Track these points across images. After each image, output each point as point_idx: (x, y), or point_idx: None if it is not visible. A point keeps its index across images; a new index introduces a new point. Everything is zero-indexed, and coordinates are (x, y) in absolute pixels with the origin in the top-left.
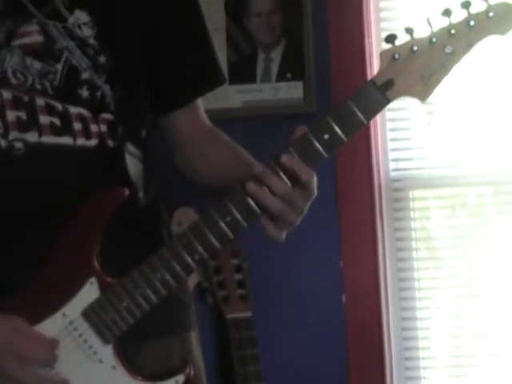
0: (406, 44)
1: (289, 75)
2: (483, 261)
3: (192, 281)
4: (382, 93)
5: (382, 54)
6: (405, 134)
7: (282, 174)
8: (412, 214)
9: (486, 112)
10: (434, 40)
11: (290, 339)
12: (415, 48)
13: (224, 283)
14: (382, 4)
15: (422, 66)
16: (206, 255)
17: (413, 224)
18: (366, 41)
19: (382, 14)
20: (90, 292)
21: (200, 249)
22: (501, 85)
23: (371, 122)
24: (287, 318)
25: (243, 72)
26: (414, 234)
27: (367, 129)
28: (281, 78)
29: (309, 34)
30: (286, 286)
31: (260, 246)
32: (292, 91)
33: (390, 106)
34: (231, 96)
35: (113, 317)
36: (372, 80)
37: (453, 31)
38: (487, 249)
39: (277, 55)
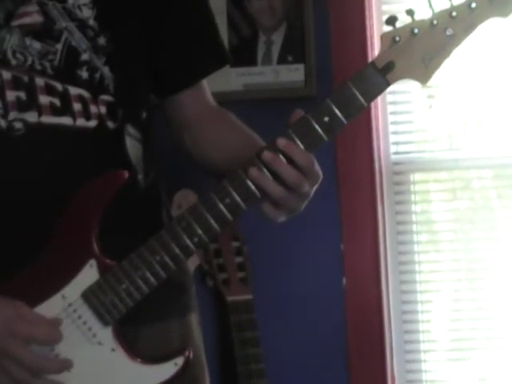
0: (406, 26)
1: (290, 58)
2: (483, 244)
3: (192, 264)
4: (382, 75)
5: (383, 36)
6: (405, 118)
7: (281, 157)
8: (412, 198)
9: (486, 95)
10: (434, 22)
11: (290, 323)
12: (416, 30)
13: (224, 266)
14: None
15: (423, 48)
16: (205, 238)
17: (413, 207)
18: (367, 23)
19: None
20: (89, 274)
21: (199, 231)
22: (502, 68)
23: (372, 105)
24: (287, 301)
25: (244, 55)
26: (414, 218)
27: (368, 112)
28: (282, 60)
29: (310, 17)
30: (287, 270)
31: (260, 229)
32: (293, 74)
33: (390, 89)
34: (232, 79)
35: (112, 299)
36: (372, 62)
37: (454, 14)
38: (487, 232)
39: (278, 38)
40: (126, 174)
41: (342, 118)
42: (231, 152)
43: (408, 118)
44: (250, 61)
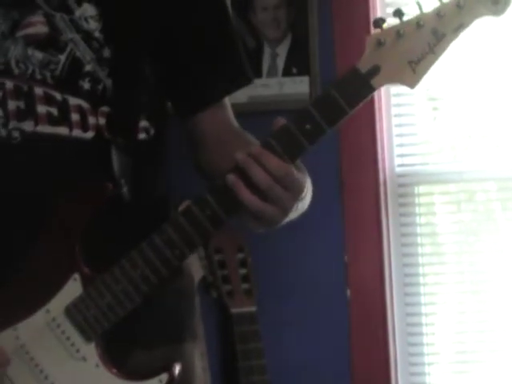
0: (392, 28)
1: (295, 70)
2: (488, 256)
3: (197, 275)
4: (366, 80)
5: (368, 39)
6: (410, 130)
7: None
8: (417, 210)
9: (490, 108)
10: (421, 23)
11: (295, 334)
12: (401, 31)
13: (229, 277)
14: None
15: (410, 50)
16: (186, 250)
17: (418, 219)
18: None
19: (389, 10)
20: (73, 288)
21: (180, 244)
22: (506, 80)
23: (376, 117)
24: (292, 312)
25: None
26: (418, 230)
27: (372, 124)
28: (287, 72)
29: (314, 29)
30: (291, 281)
31: (265, 240)
32: (298, 86)
33: (395, 101)
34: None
35: (94, 314)
36: (355, 67)
37: (441, 13)
38: (492, 245)
39: (283, 50)
40: (110, 186)
41: (324, 125)
42: None
43: (412, 131)
44: (255, 73)
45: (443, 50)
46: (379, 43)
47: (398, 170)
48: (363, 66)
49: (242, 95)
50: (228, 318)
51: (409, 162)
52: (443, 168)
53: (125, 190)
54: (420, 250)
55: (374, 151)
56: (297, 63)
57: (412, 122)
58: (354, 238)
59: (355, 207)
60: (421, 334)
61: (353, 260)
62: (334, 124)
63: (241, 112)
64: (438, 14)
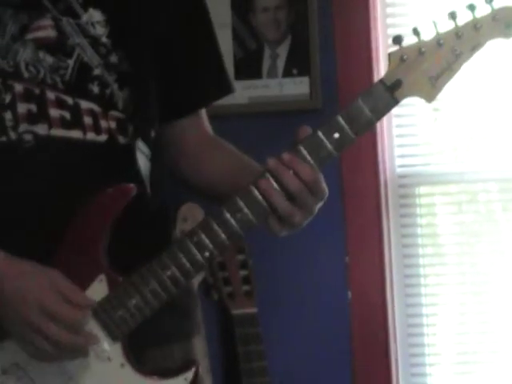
0: (414, 45)
1: (295, 71)
2: (489, 258)
3: (197, 277)
4: (390, 93)
5: (391, 54)
6: (411, 131)
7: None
8: (418, 211)
9: (491, 108)
10: (441, 42)
11: (296, 335)
12: (423, 49)
13: (229, 279)
14: (388, 0)
15: (430, 67)
16: (215, 252)
17: (419, 220)
18: (372, 36)
19: (389, 10)
20: (99, 289)
21: (210, 246)
22: (507, 81)
23: None
24: (292, 314)
25: (249, 68)
26: (419, 231)
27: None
28: (287, 73)
29: (315, 30)
30: (292, 282)
31: (265, 242)
32: (298, 87)
33: None
34: (237, 92)
35: (122, 314)
36: (382, 80)
37: (460, 34)
38: (493, 246)
39: (283, 51)
40: (134, 188)
41: (352, 135)
42: (231, 176)
43: (413, 131)
44: (255, 74)
45: (459, 67)
46: (402, 59)
47: (398, 170)
48: (388, 79)
49: (242, 96)
50: (229, 319)
51: (409, 162)
52: (444, 169)
53: (148, 191)
54: (421, 250)
55: (375, 152)
56: (297, 64)
57: (413, 123)
58: (354, 239)
59: (356, 208)
60: (422, 334)
61: (354, 261)
62: (361, 133)
63: (241, 113)
64: (457, 34)
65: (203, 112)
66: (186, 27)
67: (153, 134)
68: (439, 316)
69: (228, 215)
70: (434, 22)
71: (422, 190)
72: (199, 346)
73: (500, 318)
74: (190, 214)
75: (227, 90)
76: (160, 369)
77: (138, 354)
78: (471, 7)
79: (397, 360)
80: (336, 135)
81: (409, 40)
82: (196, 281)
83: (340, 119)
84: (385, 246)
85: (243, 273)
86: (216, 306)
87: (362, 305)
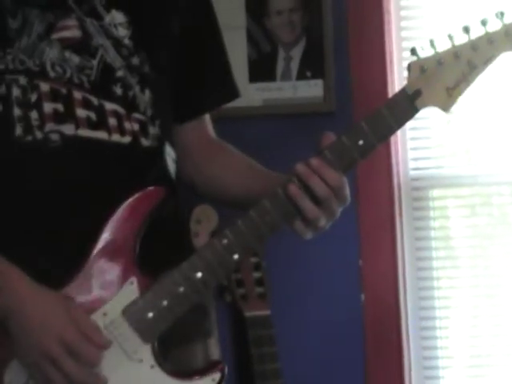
0: (433, 57)
1: (309, 74)
2: (502, 260)
3: None
4: (411, 102)
5: (411, 65)
6: (424, 133)
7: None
8: (431, 213)
9: (504, 111)
10: (458, 54)
11: (309, 338)
12: (442, 61)
13: (242, 281)
14: (402, 2)
15: (448, 78)
16: (243, 254)
17: (432, 223)
18: (386, 39)
19: (403, 13)
20: (129, 291)
21: (239, 248)
22: None
23: None
24: (306, 316)
25: (263, 70)
26: (433, 234)
27: None
28: (301, 76)
29: (329, 33)
30: (305, 285)
31: (279, 244)
32: (312, 90)
33: None
34: (251, 94)
35: (153, 316)
36: (404, 89)
37: (476, 46)
38: (506, 248)
39: (297, 53)
40: (164, 191)
41: (375, 142)
42: (242, 178)
43: (427, 134)
44: (270, 76)
45: (474, 78)
46: (422, 70)
47: (412, 173)
48: (409, 88)
49: (256, 98)
50: (242, 321)
51: (423, 165)
52: (457, 171)
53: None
54: (434, 253)
55: (388, 155)
56: (311, 66)
57: (426, 126)
58: (368, 241)
59: (369, 211)
60: (435, 337)
61: (367, 264)
62: (384, 140)
63: (255, 115)
64: (473, 47)
65: (207, 117)
66: (193, 32)
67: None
68: (452, 319)
69: (257, 218)
70: (450, 36)
71: (435, 192)
72: (214, 347)
73: None
74: (204, 216)
75: (232, 95)
76: (186, 369)
77: (163, 355)
78: (483, 22)
79: (410, 363)
80: (360, 142)
81: (424, 48)
82: None
83: (364, 125)
84: (398, 249)
85: (256, 275)
86: (229, 308)
87: (375, 307)
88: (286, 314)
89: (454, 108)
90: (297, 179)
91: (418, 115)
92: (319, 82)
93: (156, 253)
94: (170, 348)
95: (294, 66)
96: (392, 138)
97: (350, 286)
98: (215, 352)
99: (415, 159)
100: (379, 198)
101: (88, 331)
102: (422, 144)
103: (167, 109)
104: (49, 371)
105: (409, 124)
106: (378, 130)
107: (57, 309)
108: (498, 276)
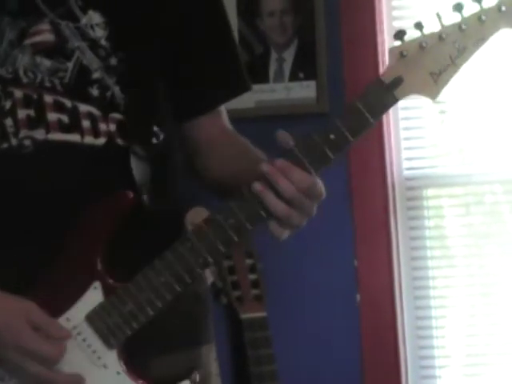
0: (414, 40)
1: (301, 75)
2: (497, 259)
3: (206, 283)
4: (389, 91)
5: (391, 50)
6: (418, 133)
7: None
8: (426, 213)
9: (498, 110)
10: (443, 36)
11: (305, 339)
12: (424, 44)
13: (238, 283)
14: (394, 3)
15: (432, 62)
16: (210, 258)
17: (426, 223)
18: (379, 40)
19: (395, 13)
20: (93, 296)
21: (204, 252)
22: None
23: (384, 121)
24: (302, 317)
25: (256, 72)
26: (427, 233)
27: (380, 128)
28: (293, 77)
29: (321, 34)
30: (301, 286)
31: (274, 245)
32: (305, 91)
33: (403, 104)
34: (244, 96)
35: (117, 321)
36: (379, 78)
37: (463, 26)
38: (501, 247)
39: (289, 55)
40: (131, 195)
41: (349, 136)
42: (242, 171)
43: (420, 134)
44: (262, 78)
45: (464, 62)
46: (402, 55)
47: (406, 173)
48: (387, 77)
49: (248, 100)
50: (238, 323)
51: (417, 165)
52: (451, 171)
53: (145, 197)
54: (429, 253)
55: (382, 155)
56: (303, 68)
57: (420, 125)
58: (363, 242)
59: (364, 211)
60: (431, 337)
61: (362, 264)
62: (359, 134)
63: (248, 117)
64: (460, 27)
65: (221, 108)
66: (198, 25)
67: (161, 135)
68: (448, 318)
69: (221, 220)
70: (438, 15)
71: (429, 192)
72: (209, 356)
73: (509, 320)
74: (198, 219)
75: (244, 87)
76: (160, 377)
77: (143, 362)
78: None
79: (406, 362)
80: (332, 136)
81: (413, 36)
82: (206, 287)
83: (335, 119)
84: (393, 249)
85: (252, 277)
86: (225, 311)
87: (370, 307)
88: (282, 316)
89: (448, 108)
90: (263, 179)
91: (411, 115)
92: (312, 83)
93: (128, 256)
94: (151, 356)
95: (287, 67)
96: (386, 138)
97: (345, 287)
98: (208, 361)
99: (409, 159)
100: (374, 198)
101: (43, 326)
102: (416, 144)
103: (152, 107)
104: (20, 376)
105: (402, 124)
106: (350, 124)
107: (8, 311)
108: (494, 275)
